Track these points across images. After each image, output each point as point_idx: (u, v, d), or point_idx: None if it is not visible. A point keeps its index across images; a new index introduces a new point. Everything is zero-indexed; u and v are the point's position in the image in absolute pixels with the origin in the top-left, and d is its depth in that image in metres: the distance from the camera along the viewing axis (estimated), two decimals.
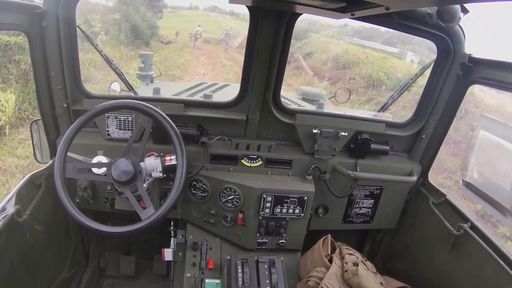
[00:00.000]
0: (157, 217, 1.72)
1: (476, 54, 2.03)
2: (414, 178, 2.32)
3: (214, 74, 14.60)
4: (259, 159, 2.21)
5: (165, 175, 1.93)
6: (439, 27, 1.91)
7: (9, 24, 1.69)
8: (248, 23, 1.93)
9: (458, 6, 1.72)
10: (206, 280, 2.06)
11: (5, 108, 7.35)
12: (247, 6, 1.84)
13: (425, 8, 1.84)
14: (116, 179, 1.75)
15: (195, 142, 2.14)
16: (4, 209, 1.70)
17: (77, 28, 1.97)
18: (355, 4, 1.35)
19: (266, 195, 2.10)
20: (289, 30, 1.92)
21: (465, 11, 1.74)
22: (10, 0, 1.64)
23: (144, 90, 3.99)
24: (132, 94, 2.80)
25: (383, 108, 2.69)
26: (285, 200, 2.14)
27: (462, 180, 2.24)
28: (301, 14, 1.85)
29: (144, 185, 1.85)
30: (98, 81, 8.60)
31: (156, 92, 3.19)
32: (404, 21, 1.91)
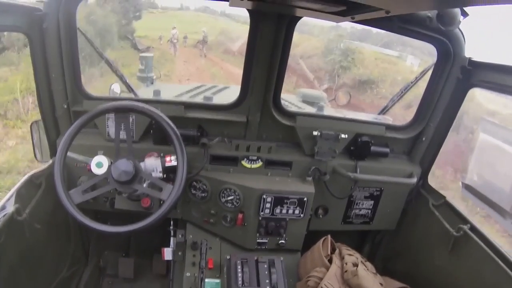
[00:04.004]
0: (157, 217, 1.72)
1: (477, 58, 2.04)
2: (414, 180, 2.32)
3: None
4: (259, 160, 2.22)
5: (165, 176, 1.94)
6: (439, 31, 1.93)
7: (10, 26, 1.71)
8: (240, 25, 1.93)
9: (457, 10, 1.73)
10: (206, 280, 2.07)
11: None
12: (247, 9, 1.86)
13: (425, 12, 1.85)
14: (116, 179, 1.75)
15: (195, 143, 2.15)
16: (4, 207, 1.71)
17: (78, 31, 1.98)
18: (355, 8, 1.35)
19: (266, 195, 2.11)
20: (289, 33, 1.93)
21: (464, 14, 1.75)
22: (11, 2, 1.66)
23: (145, 92, 4.00)
24: (133, 96, 2.81)
25: (383, 111, 2.70)
26: (285, 201, 2.14)
27: (462, 182, 2.25)
28: (301, 17, 1.87)
29: (144, 185, 1.86)
30: None
31: (157, 94, 3.19)
32: (404, 25, 1.92)
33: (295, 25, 1.92)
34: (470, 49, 2.05)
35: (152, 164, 1.92)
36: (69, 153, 1.78)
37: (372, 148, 2.29)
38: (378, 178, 2.31)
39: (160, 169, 1.91)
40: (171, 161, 1.91)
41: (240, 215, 2.17)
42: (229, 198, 2.15)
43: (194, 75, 12.09)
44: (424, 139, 2.33)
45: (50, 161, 2.13)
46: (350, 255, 2.10)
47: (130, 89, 2.85)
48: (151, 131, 2.14)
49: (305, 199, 2.15)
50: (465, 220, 2.02)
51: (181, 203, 2.28)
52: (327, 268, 2.02)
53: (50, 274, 2.21)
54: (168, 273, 2.85)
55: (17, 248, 1.79)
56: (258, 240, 2.24)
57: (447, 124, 2.25)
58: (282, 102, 2.22)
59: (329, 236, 2.21)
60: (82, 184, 1.80)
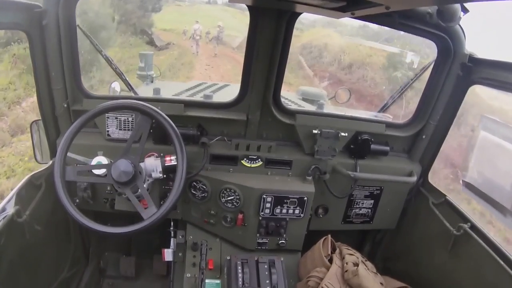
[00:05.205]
0: (157, 217, 1.72)
1: (478, 54, 2.02)
2: (414, 179, 2.31)
3: None
4: (259, 159, 2.21)
5: (165, 176, 1.93)
6: (439, 27, 1.91)
7: (9, 23, 1.69)
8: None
9: (458, 6, 1.72)
10: (206, 281, 2.07)
11: None
12: (247, 5, 1.84)
13: (425, 8, 1.83)
14: (116, 180, 1.75)
15: (195, 142, 2.14)
16: (4, 209, 1.70)
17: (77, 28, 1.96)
18: (355, 3, 1.34)
19: (266, 195, 2.10)
20: (289, 29, 1.92)
21: (465, 10, 1.74)
22: None
23: (144, 90, 3.99)
24: (133, 94, 2.81)
25: (383, 109, 2.68)
26: (285, 201, 2.13)
27: (462, 180, 2.24)
28: (301, 13, 1.85)
29: (144, 186, 1.85)
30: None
31: (156, 92, 3.18)
32: (404, 21, 1.91)
33: (295, 21, 1.91)
34: (470, 46, 2.03)
35: (152, 164, 1.91)
36: (69, 154, 1.78)
37: (372, 146, 2.27)
38: (378, 177, 2.30)
39: (160, 169, 1.90)
40: (171, 160, 1.90)
41: (240, 215, 2.16)
42: (229, 198, 2.14)
43: None
44: (424, 137, 2.32)
45: (50, 162, 2.13)
46: (350, 254, 2.09)
47: (130, 87, 2.84)
48: (151, 130, 2.13)
49: (305, 198, 2.14)
50: (465, 219, 2.01)
51: (181, 203, 2.27)
52: (328, 268, 2.02)
53: (50, 275, 2.21)
54: (168, 274, 2.85)
55: (17, 249, 1.79)
56: (258, 240, 2.23)
57: (447, 121, 2.24)
58: (282, 100, 2.20)
59: (329, 236, 2.21)
60: (80, 166, 1.79)
